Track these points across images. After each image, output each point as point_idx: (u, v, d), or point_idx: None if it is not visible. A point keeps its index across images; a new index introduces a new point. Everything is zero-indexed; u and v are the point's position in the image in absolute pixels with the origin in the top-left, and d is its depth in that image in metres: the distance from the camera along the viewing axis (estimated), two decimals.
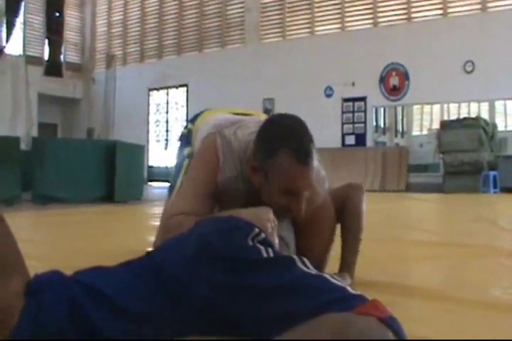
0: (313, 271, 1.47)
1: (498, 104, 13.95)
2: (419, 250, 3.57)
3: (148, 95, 19.50)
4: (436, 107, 14.55)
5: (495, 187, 12.01)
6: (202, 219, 1.80)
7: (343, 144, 14.99)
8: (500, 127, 13.66)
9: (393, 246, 3.82)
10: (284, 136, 1.98)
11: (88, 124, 20.16)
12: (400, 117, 15.73)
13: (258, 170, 2.06)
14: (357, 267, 2.50)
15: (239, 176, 2.19)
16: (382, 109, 15.46)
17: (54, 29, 20.84)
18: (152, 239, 3.19)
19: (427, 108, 15.22)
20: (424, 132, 14.98)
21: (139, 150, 10.54)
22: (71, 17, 21.75)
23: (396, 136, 15.45)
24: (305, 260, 1.51)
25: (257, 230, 1.60)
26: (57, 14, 21.23)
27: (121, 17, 21.03)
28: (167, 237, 1.94)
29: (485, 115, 13.53)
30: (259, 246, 1.52)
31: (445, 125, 12.97)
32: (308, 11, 16.29)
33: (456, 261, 3.07)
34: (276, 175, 2.00)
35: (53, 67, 20.65)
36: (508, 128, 13.68)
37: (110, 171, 9.13)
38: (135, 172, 9.94)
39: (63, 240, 4.20)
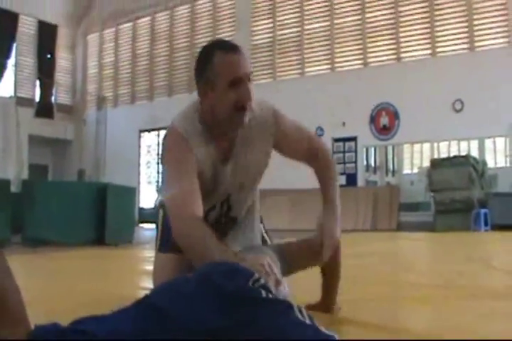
0: (307, 321, 1.51)
1: (488, 141, 14.06)
2: (411, 291, 3.51)
3: (140, 137, 19.61)
4: (427, 145, 14.66)
5: (486, 224, 12.03)
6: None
7: None
8: (490, 164, 13.76)
9: (385, 287, 3.78)
10: (209, 47, 2.34)
11: (79, 166, 20.17)
12: (390, 156, 15.85)
13: (206, 88, 2.30)
14: (348, 307, 2.53)
15: (208, 143, 2.40)
16: (372, 148, 15.57)
17: (45, 71, 20.97)
18: (144, 283, 3.17)
19: (417, 146, 15.35)
20: (415, 170, 15.08)
21: (130, 193, 10.53)
22: (62, 59, 21.96)
23: (387, 174, 15.54)
24: (302, 308, 1.56)
25: (256, 275, 1.65)
26: (49, 56, 21.40)
27: (113, 59, 21.27)
28: (181, 242, 2.19)
29: (475, 152, 13.67)
30: (259, 289, 1.58)
31: (435, 163, 13.07)
32: (298, 52, 16.54)
33: (447, 303, 3.03)
34: (220, 73, 2.24)
35: (44, 109, 20.73)
36: (498, 165, 13.76)
37: (101, 214, 9.12)
38: (126, 215, 9.93)
39: (54, 285, 4.16)
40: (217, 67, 2.26)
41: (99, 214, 9.10)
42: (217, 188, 2.48)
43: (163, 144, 2.47)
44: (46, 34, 20.85)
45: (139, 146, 19.78)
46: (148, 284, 3.48)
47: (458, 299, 3.14)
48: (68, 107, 21.82)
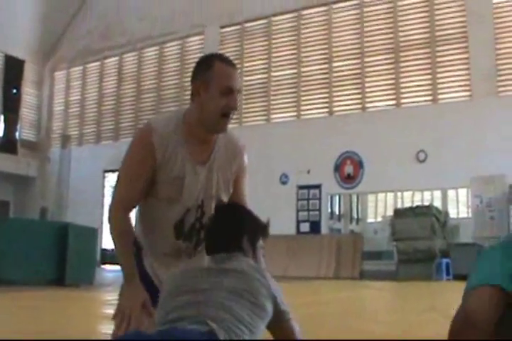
0: None
1: (451, 192, 14.13)
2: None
3: (104, 177, 19.35)
4: (391, 195, 14.72)
5: (448, 274, 12.04)
6: None
7: (298, 231, 14.93)
8: (453, 214, 13.82)
9: (347, 337, 3.73)
10: (212, 56, 2.66)
11: (42, 203, 19.79)
12: (354, 204, 15.84)
13: (200, 88, 2.59)
14: None
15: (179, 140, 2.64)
16: (337, 196, 15.55)
17: (10, 106, 20.75)
18: (104, 329, 3.08)
19: (381, 195, 15.40)
20: (379, 219, 15.11)
21: (91, 233, 10.38)
22: (28, 94, 21.76)
23: (351, 222, 15.53)
24: None
25: None
26: (15, 91, 21.21)
27: (79, 97, 21.13)
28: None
29: (438, 203, 13.74)
30: None
31: (398, 213, 13.12)
32: (264, 99, 16.58)
33: None
34: (215, 80, 2.55)
35: (8, 144, 20.46)
36: (460, 216, 13.82)
37: (62, 253, 8.96)
38: (87, 256, 9.77)
39: (11, 328, 4.00)
40: (216, 73, 2.57)
41: (59, 254, 8.95)
42: (192, 190, 2.65)
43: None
44: (13, 69, 20.71)
45: (103, 186, 19.51)
46: (103, 329, 3.36)
47: None
48: (32, 143, 21.53)
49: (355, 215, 15.82)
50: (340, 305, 7.06)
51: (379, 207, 15.22)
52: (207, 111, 2.59)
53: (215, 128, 2.65)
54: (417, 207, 13.20)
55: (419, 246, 12.30)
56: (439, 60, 14.38)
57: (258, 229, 2.46)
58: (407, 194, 14.59)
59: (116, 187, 2.67)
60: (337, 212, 15.68)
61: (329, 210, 15.33)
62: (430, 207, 12.96)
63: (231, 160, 2.81)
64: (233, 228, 2.40)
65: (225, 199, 2.80)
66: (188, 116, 2.67)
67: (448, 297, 8.55)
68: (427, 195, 14.68)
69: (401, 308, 6.87)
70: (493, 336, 2.04)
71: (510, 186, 12.38)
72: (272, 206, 14.61)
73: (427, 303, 6.97)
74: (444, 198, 13.85)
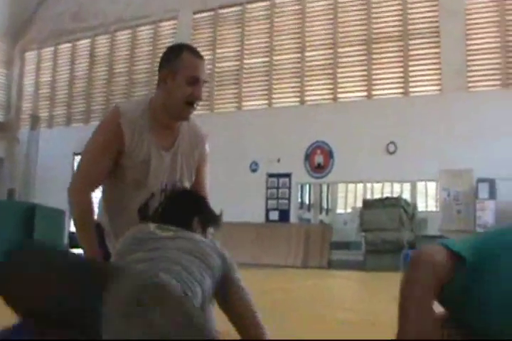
0: None
1: (420, 185, 14.21)
2: (339, 328, 3.69)
3: (73, 159, 19.07)
4: (361, 186, 14.72)
5: None
6: None
7: (267, 219, 14.91)
8: (422, 207, 13.91)
9: (314, 324, 3.92)
10: (181, 45, 2.85)
11: (9, 185, 19.48)
12: (325, 195, 15.84)
13: (167, 76, 2.73)
14: None
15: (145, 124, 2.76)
16: (307, 186, 15.56)
17: None
18: None
19: (351, 186, 15.43)
20: (349, 210, 15.14)
21: (59, 215, 10.21)
22: None
23: (321, 213, 15.53)
24: None
25: None
26: None
27: (50, 78, 20.70)
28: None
29: (407, 195, 13.79)
30: None
31: (367, 204, 13.16)
32: (236, 86, 16.44)
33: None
34: (183, 69, 2.69)
35: None
36: (429, 209, 13.92)
37: (28, 235, 8.78)
38: (54, 238, 9.60)
39: None
40: (184, 63, 2.73)
41: (26, 236, 8.77)
42: (158, 174, 2.78)
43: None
44: None
45: (73, 169, 19.25)
46: None
47: (381, 335, 3.22)
48: (1, 124, 21.12)
49: (325, 206, 15.83)
50: (309, 292, 7.24)
51: (349, 198, 15.26)
52: (172, 99, 2.73)
53: (179, 116, 2.81)
54: (386, 198, 13.23)
55: (387, 237, 12.35)
56: (411, 53, 14.37)
57: (210, 215, 2.64)
58: (377, 186, 14.61)
59: (79, 167, 2.78)
60: (307, 202, 15.67)
61: (299, 200, 15.31)
62: (399, 198, 13.01)
63: (194, 148, 3.00)
64: (186, 207, 2.58)
65: (188, 185, 2.96)
66: (154, 102, 2.80)
67: None
68: (396, 187, 14.74)
69: (368, 297, 7.12)
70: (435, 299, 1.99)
71: (477, 180, 12.48)
72: (242, 193, 14.63)
73: (392, 293, 7.03)
74: (414, 190, 13.91)
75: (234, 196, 14.54)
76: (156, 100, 2.81)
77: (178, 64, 2.71)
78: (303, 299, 6.20)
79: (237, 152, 15.20)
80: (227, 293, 2.33)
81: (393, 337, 1.92)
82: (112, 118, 2.76)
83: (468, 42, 13.74)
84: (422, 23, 14.32)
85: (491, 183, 12.28)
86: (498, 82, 13.41)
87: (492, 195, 12.26)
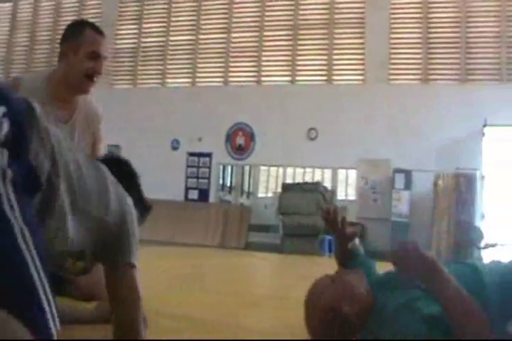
0: None
1: (342, 174, 14.34)
2: (250, 300, 3.89)
3: None
4: (283, 171, 14.73)
5: (330, 250, 12.26)
6: None
7: (186, 198, 14.76)
8: (342, 196, 14.07)
9: (226, 296, 4.11)
10: (83, 22, 3.03)
11: None
12: (247, 178, 15.77)
13: (69, 50, 2.81)
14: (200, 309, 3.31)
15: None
16: (229, 169, 15.46)
17: None
18: None
19: (273, 171, 15.42)
20: (270, 194, 15.13)
21: None
22: None
23: (242, 196, 15.46)
24: None
25: None
26: None
27: None
28: None
29: (328, 182, 13.90)
30: None
31: (286, 188, 13.21)
32: (161, 62, 16.08)
33: (279, 310, 3.39)
34: (85, 44, 2.78)
35: None
36: (350, 198, 14.10)
37: None
38: None
39: None
40: (86, 38, 2.82)
41: None
42: None
43: None
44: None
45: None
46: None
47: (289, 306, 3.41)
48: None
49: (246, 189, 15.77)
50: (224, 268, 7.52)
51: (271, 183, 15.25)
52: (73, 72, 2.83)
53: (79, 89, 2.93)
54: (305, 183, 13.33)
55: (304, 222, 12.43)
56: (335, 42, 14.43)
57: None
58: (299, 171, 14.68)
59: None
60: (228, 185, 15.58)
61: (221, 182, 15.21)
62: (318, 184, 13.11)
63: (89, 125, 3.11)
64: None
65: None
66: (55, 75, 2.89)
67: (323, 269, 8.84)
68: (318, 174, 14.79)
69: (280, 275, 7.43)
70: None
71: (394, 171, 12.75)
72: (162, 171, 14.38)
73: (303, 272, 7.18)
74: (334, 178, 14.05)
75: (153, 173, 14.23)
76: (57, 73, 2.89)
77: (81, 39, 2.82)
78: (217, 274, 6.51)
79: (159, 129, 14.92)
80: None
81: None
82: (10, 86, 2.76)
83: (392, 35, 13.93)
84: (349, 12, 14.40)
85: (407, 174, 12.57)
86: (418, 77, 13.68)
87: (407, 185, 12.55)
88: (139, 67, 16.20)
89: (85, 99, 3.14)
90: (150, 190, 11.24)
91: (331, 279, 2.41)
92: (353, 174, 13.82)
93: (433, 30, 13.72)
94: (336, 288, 2.33)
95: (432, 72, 13.64)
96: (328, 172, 14.16)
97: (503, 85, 12.89)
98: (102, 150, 3.33)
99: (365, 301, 2.33)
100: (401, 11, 13.96)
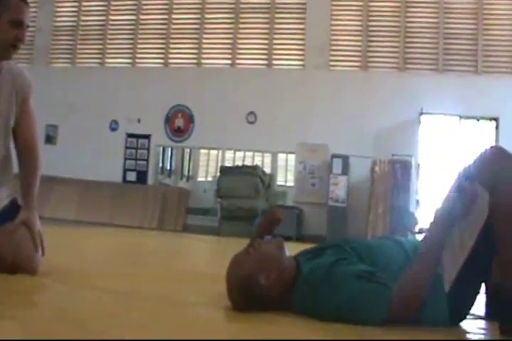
0: None
1: (282, 160, 14.08)
2: (183, 275, 3.86)
3: None
4: (223, 155, 14.36)
5: None
6: None
7: (124, 180, 14.27)
8: (282, 181, 13.83)
9: (162, 270, 4.12)
10: None
11: None
12: (187, 162, 15.35)
13: None
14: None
15: None
16: (169, 152, 14.99)
17: None
18: None
19: (213, 155, 15.02)
20: (209, 178, 14.78)
21: None
22: None
23: (181, 179, 15.07)
24: None
25: None
26: None
27: None
28: None
29: (268, 167, 13.64)
30: None
31: (224, 171, 12.95)
32: (100, 41, 15.45)
33: (206, 284, 3.26)
34: (8, 12, 2.71)
35: None
36: (288, 184, 13.88)
37: None
38: None
39: None
40: (10, 6, 2.75)
41: None
42: None
43: None
44: None
45: None
46: None
47: (219, 282, 3.14)
48: None
49: (186, 173, 15.37)
50: (161, 248, 7.59)
51: (211, 167, 14.89)
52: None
53: (1, 56, 2.86)
54: (243, 166, 13.09)
55: (241, 205, 12.22)
56: (276, 26, 14.16)
57: None
58: (239, 155, 14.34)
59: None
60: (168, 168, 15.15)
61: (160, 165, 14.79)
62: (256, 167, 12.89)
63: (17, 93, 2.99)
64: None
65: (6, 129, 2.99)
66: None
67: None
68: (258, 158, 14.43)
69: (216, 255, 7.63)
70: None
71: (332, 156, 12.59)
72: (100, 152, 13.95)
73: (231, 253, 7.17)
74: (274, 162, 13.78)
75: (91, 154, 13.82)
76: None
77: (4, 7, 2.76)
78: (152, 251, 6.55)
79: (98, 109, 14.37)
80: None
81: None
82: None
83: (333, 22, 13.77)
84: None
85: (345, 159, 12.44)
86: (358, 64, 13.55)
87: (345, 170, 12.43)
88: (78, 46, 15.53)
89: (10, 63, 3.02)
90: (88, 171, 10.91)
91: (246, 251, 2.43)
92: (293, 159, 13.59)
93: (373, 18, 13.61)
94: (252, 259, 2.36)
95: (372, 59, 13.54)
96: (268, 157, 13.89)
97: (439, 75, 12.91)
98: (37, 133, 3.29)
99: (283, 269, 2.37)
100: None
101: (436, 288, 2.18)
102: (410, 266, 2.24)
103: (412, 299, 2.17)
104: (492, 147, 2.27)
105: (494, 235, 2.13)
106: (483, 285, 2.36)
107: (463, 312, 2.33)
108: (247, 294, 2.31)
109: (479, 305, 2.50)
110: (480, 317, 2.53)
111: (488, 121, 12.57)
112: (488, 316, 2.49)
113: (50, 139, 14.21)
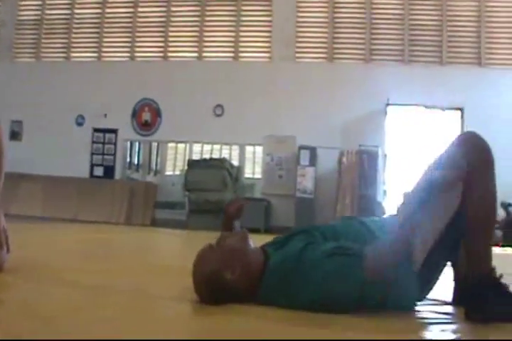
0: None
1: (249, 152, 13.93)
2: (151, 268, 3.87)
3: None
4: (191, 148, 14.17)
5: None
6: None
7: (92, 175, 14.05)
8: (249, 174, 13.70)
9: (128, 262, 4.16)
10: None
11: None
12: (154, 156, 15.13)
13: None
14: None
15: None
16: (137, 147, 14.77)
17: None
18: None
19: (181, 149, 14.81)
20: (177, 172, 14.59)
21: None
22: None
23: (149, 173, 14.86)
24: None
25: None
26: None
27: None
28: None
29: (236, 160, 13.51)
30: None
31: (192, 164, 12.82)
32: (65, 35, 15.18)
33: (174, 277, 3.24)
34: None
35: None
36: (255, 176, 13.75)
37: None
38: None
39: None
40: None
41: None
42: None
43: None
44: None
45: None
46: None
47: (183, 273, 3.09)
48: None
49: (154, 167, 15.16)
50: (129, 242, 7.51)
51: (178, 161, 14.68)
52: None
53: None
54: (211, 159, 12.94)
55: (209, 198, 12.09)
56: (243, 19, 14.06)
57: None
58: (207, 148, 14.16)
59: None
60: (136, 162, 14.92)
61: (128, 159, 14.57)
62: (223, 160, 12.76)
63: None
64: None
65: None
66: None
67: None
68: (226, 151, 14.24)
69: (183, 248, 7.60)
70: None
71: (299, 147, 12.51)
72: (66, 147, 13.74)
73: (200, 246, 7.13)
74: (242, 155, 13.65)
75: (58, 149, 13.61)
76: None
77: None
78: (121, 246, 6.55)
79: (63, 104, 14.13)
80: None
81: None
82: None
83: (299, 14, 13.71)
84: None
85: (312, 151, 12.39)
86: (324, 55, 13.48)
87: (312, 162, 12.37)
88: (43, 40, 15.25)
89: None
90: (54, 167, 10.69)
91: (210, 246, 2.41)
92: (260, 151, 13.48)
93: (339, 10, 13.57)
94: (216, 254, 2.34)
95: (338, 51, 13.50)
96: (235, 150, 13.75)
97: (405, 66, 12.91)
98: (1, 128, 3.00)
99: (249, 262, 2.35)
100: None
101: (405, 266, 2.23)
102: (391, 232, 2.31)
103: (382, 257, 2.23)
104: (466, 133, 2.33)
105: (466, 224, 2.19)
106: (451, 272, 2.50)
107: (430, 287, 2.42)
108: (214, 289, 2.32)
109: (447, 292, 2.62)
110: (447, 303, 2.61)
111: (453, 111, 12.58)
112: (455, 302, 2.57)
113: (15, 135, 13.97)
